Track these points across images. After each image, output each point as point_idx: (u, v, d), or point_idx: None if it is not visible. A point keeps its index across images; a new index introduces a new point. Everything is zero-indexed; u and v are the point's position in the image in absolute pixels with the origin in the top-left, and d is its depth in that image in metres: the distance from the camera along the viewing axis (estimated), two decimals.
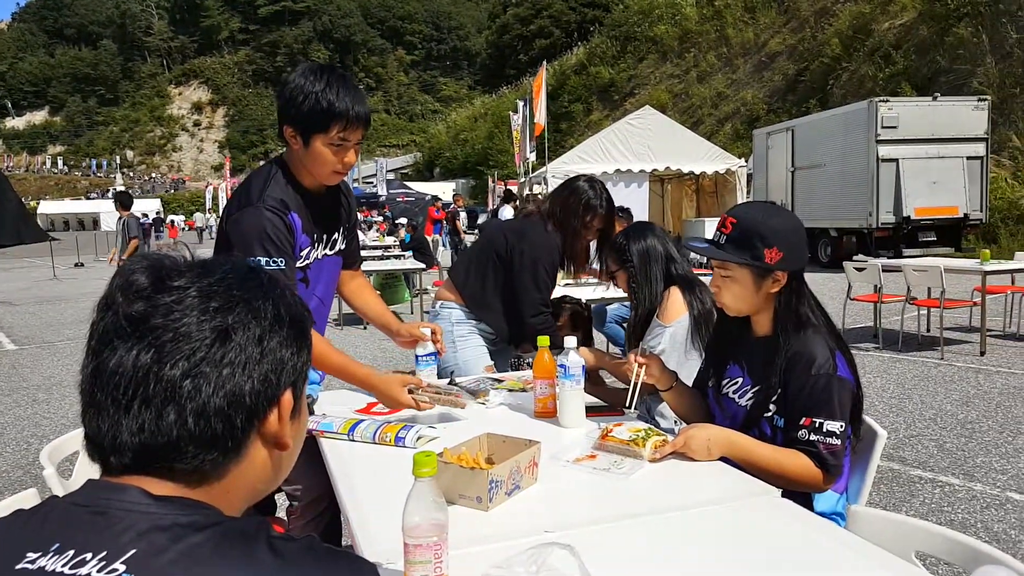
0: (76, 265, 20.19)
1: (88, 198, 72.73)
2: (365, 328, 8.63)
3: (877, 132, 12.12)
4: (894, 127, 12.10)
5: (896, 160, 12.08)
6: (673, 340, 2.26)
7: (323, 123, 1.79)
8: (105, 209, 53.36)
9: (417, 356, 2.17)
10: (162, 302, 0.68)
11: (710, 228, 9.07)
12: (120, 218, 10.09)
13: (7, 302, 12.31)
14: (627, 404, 1.82)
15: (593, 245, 2.97)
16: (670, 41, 35.62)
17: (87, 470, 1.68)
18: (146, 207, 44.87)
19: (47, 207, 57.87)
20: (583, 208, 2.78)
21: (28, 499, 1.43)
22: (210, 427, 0.67)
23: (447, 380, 2.35)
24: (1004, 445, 3.89)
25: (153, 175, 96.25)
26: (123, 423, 0.67)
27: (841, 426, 1.54)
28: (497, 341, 2.91)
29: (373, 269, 9.30)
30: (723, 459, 1.60)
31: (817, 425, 1.54)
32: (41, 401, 5.57)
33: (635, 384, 1.80)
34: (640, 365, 1.80)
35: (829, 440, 1.53)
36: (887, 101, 12.49)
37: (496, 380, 2.37)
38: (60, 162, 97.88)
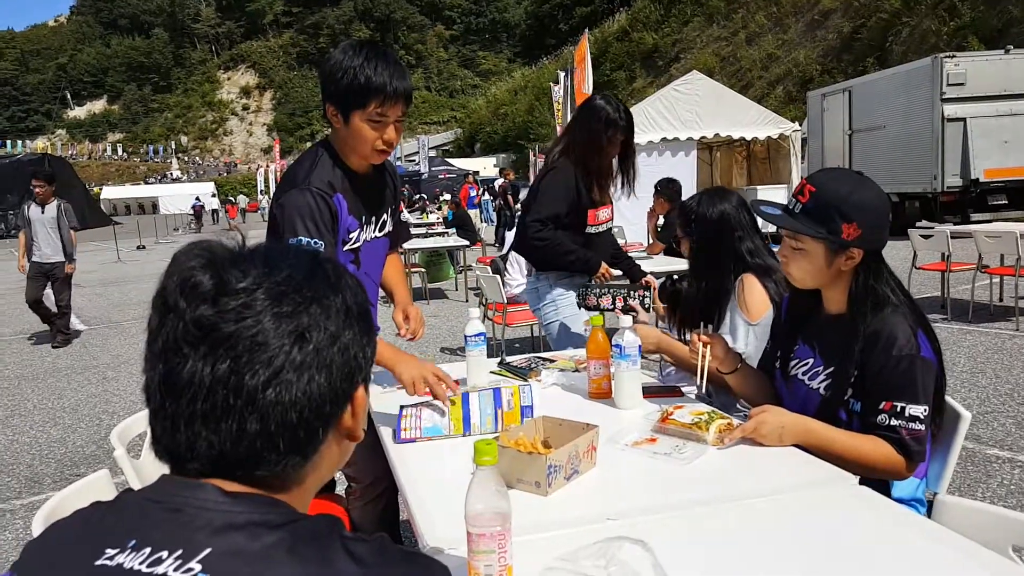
0: (138, 248, 20.90)
1: (147, 183, 75.19)
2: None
3: (942, 90, 11.51)
4: (961, 84, 11.45)
5: (963, 119, 11.45)
6: (760, 341, 2.00)
7: (361, 98, 1.74)
8: (164, 193, 55.20)
9: (466, 336, 2.13)
10: (230, 307, 0.64)
11: (763, 196, 8.77)
12: (36, 204, 6.98)
13: (76, 284, 12.74)
14: (699, 388, 1.73)
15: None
16: (716, 2, 34.51)
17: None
18: (200, 190, 46.11)
19: (109, 192, 59.92)
20: (604, 124, 2.85)
21: (100, 480, 1.46)
22: (293, 435, 0.66)
23: (498, 360, 2.31)
24: None
25: (205, 160, 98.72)
26: (201, 433, 0.65)
27: (925, 410, 1.44)
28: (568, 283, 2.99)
29: (418, 247, 9.34)
30: (795, 444, 1.51)
31: (899, 409, 1.44)
32: (111, 379, 5.80)
33: (702, 367, 1.71)
34: (705, 344, 1.71)
35: (912, 425, 1.43)
36: (953, 56, 11.83)
37: (547, 360, 2.32)
38: (119, 149, 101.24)
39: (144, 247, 21.12)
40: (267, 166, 48.09)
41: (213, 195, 39.80)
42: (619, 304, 2.49)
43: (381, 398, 1.91)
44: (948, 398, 1.61)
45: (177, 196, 50.29)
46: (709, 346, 1.71)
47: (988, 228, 6.37)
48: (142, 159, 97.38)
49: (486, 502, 0.95)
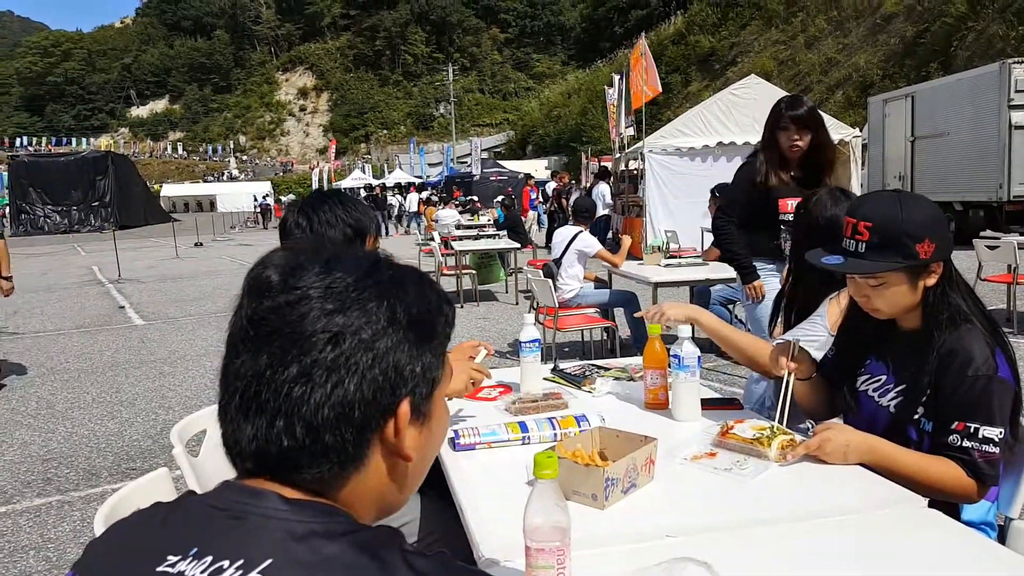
0: (196, 245, 21.55)
1: (205, 181, 77.51)
2: (462, 307, 8.75)
3: (1010, 96, 11.05)
4: None
5: None
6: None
7: None
8: (222, 192, 56.83)
9: (521, 342, 2.13)
10: (283, 302, 0.65)
11: None
12: None
13: (135, 279, 13.29)
14: (778, 420, 1.60)
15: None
16: (775, 5, 33.80)
17: (214, 451, 1.75)
18: (257, 189, 47.34)
19: (169, 190, 61.99)
20: (774, 116, 3.22)
21: (160, 479, 1.50)
22: (320, 439, 0.65)
23: (551, 367, 2.31)
24: None
25: (262, 159, 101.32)
26: (243, 428, 0.66)
27: (1000, 433, 1.38)
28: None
29: (469, 249, 9.40)
30: (861, 464, 1.47)
31: (972, 431, 1.39)
32: (167, 374, 5.96)
33: (785, 394, 1.60)
34: (790, 372, 1.60)
35: (986, 448, 1.38)
36: (1021, 62, 11.35)
37: (601, 368, 2.31)
38: (180, 147, 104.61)
39: (201, 244, 21.76)
40: (323, 166, 49.07)
41: (266, 195, 40.82)
42: None
43: None
44: (1023, 418, 1.55)
45: (234, 194, 51.70)
46: (795, 370, 1.61)
47: None
48: (201, 158, 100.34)
49: (545, 516, 0.95)
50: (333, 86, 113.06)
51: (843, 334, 1.77)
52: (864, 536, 1.20)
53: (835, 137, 12.93)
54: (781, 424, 1.58)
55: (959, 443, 1.40)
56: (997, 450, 1.39)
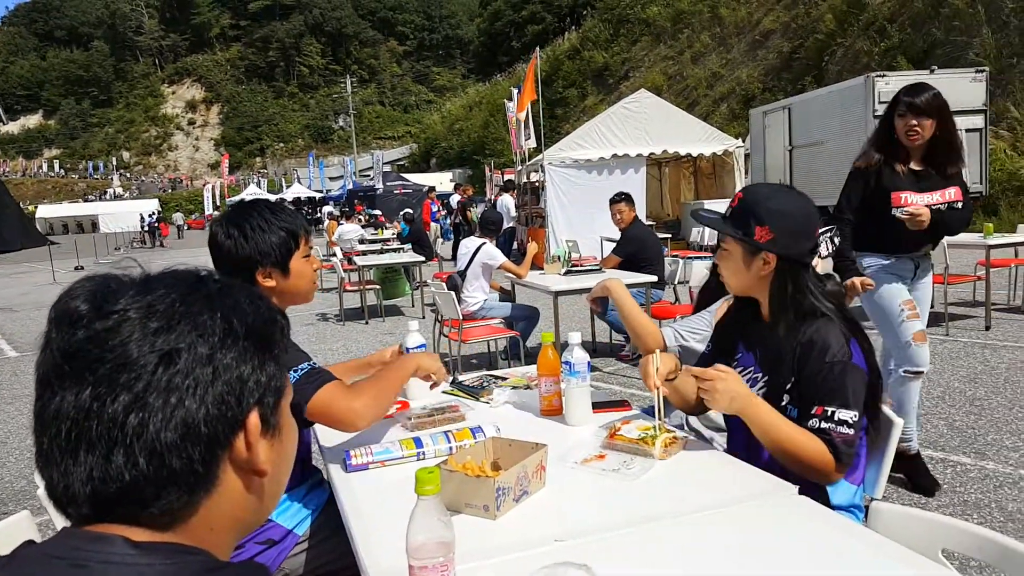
0: (76, 268, 20.14)
1: (86, 200, 72.61)
2: (367, 323, 8.60)
3: (875, 107, 11.96)
4: None
5: None
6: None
7: None
8: (104, 211, 53.37)
9: (407, 349, 2.13)
10: (99, 329, 0.61)
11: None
12: None
13: (7, 308, 12.27)
14: (658, 420, 1.65)
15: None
16: (663, 22, 35.34)
17: None
18: (143, 208, 44.78)
19: (45, 211, 57.59)
20: (889, 106, 3.03)
21: (21, 522, 1.39)
22: (165, 465, 0.61)
23: (450, 379, 2.30)
24: (1015, 422, 3.85)
25: (148, 176, 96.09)
26: (71, 471, 0.60)
27: (855, 416, 1.49)
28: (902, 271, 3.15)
29: (373, 263, 9.26)
30: (735, 454, 1.55)
31: (829, 414, 1.49)
32: None
33: (659, 401, 1.66)
34: (657, 387, 1.65)
35: (842, 429, 1.47)
36: (884, 76, 12.33)
37: (499, 378, 2.33)
38: (56, 165, 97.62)
39: (82, 267, 20.34)
40: (214, 182, 47.03)
41: (151, 213, 38.75)
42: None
43: (327, 432, 1.82)
44: (884, 406, 1.67)
45: (119, 214, 48.67)
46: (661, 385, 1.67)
47: None
48: (81, 176, 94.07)
49: (429, 533, 0.94)
50: (224, 98, 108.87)
51: (719, 327, 1.88)
52: (741, 526, 1.26)
53: (720, 148, 13.74)
54: (663, 423, 1.64)
55: (819, 425, 1.49)
56: (852, 431, 1.48)
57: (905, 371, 3.08)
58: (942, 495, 3.05)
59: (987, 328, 5.93)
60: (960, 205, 3.02)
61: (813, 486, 1.58)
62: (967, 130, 12.10)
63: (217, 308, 0.65)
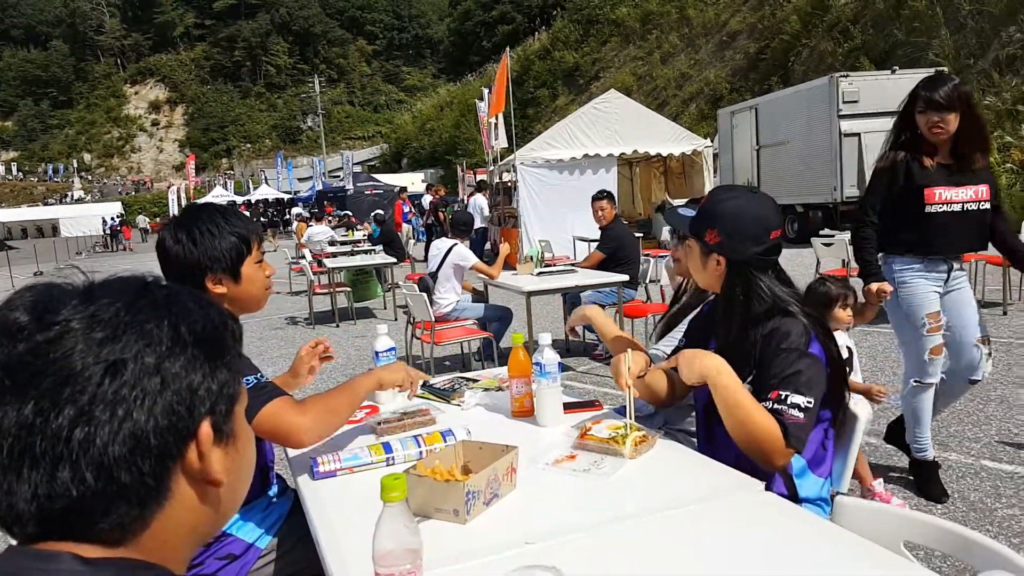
0: (36, 274, 19.66)
1: (46, 203, 70.86)
2: (338, 326, 8.52)
3: (839, 107, 12.22)
4: (855, 102, 12.20)
5: (858, 134, 12.19)
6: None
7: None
8: (65, 215, 52.11)
9: (376, 352, 2.12)
10: (40, 341, 0.59)
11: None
12: None
13: None
14: (629, 419, 1.66)
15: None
16: (632, 23, 35.62)
17: None
18: (106, 211, 43.85)
19: (3, 215, 55.91)
20: (910, 99, 2.87)
21: None
22: (114, 479, 0.59)
23: (421, 383, 2.29)
24: (975, 413, 3.95)
25: (111, 179, 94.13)
26: (15, 489, 0.58)
27: (808, 402, 1.51)
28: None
29: (343, 265, 9.18)
30: (705, 451, 1.56)
31: (783, 397, 1.51)
32: None
33: (630, 401, 1.68)
34: (629, 386, 1.68)
35: (793, 412, 1.49)
36: (847, 76, 12.60)
37: (471, 380, 2.32)
38: (14, 168, 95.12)
39: (42, 273, 19.87)
40: (180, 184, 46.23)
41: (114, 217, 38.00)
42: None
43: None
44: (850, 403, 1.70)
45: (80, 217, 47.55)
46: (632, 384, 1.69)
47: None
48: (40, 179, 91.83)
49: (396, 540, 0.94)
50: (189, 99, 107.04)
51: (692, 324, 1.92)
52: (710, 524, 1.27)
53: (690, 147, 13.88)
54: (633, 422, 1.65)
55: (771, 407, 1.51)
56: (803, 416, 1.50)
57: (916, 381, 3.01)
58: (908, 486, 3.12)
59: None
60: (987, 205, 2.88)
61: (784, 480, 1.60)
62: None
63: (164, 316, 0.64)
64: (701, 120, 24.34)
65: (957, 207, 2.85)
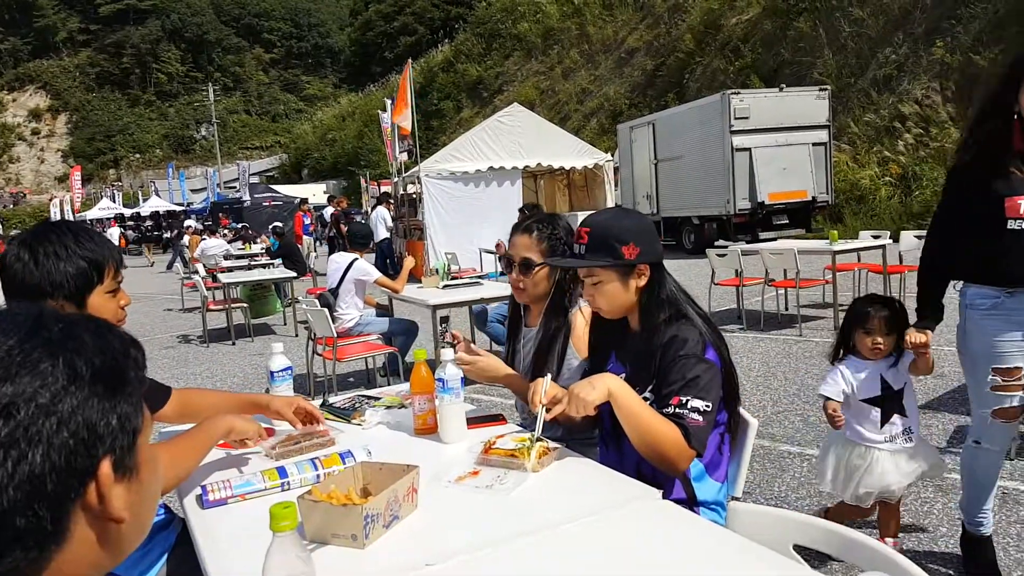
0: None
1: None
2: (234, 344, 8.16)
3: (731, 123, 12.88)
4: (746, 118, 12.89)
5: (749, 149, 12.89)
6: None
7: None
8: None
9: (271, 372, 2.04)
10: None
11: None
12: None
13: None
14: (537, 434, 1.63)
15: None
16: (534, 38, 36.28)
17: None
18: None
19: None
20: (1003, 77, 2.24)
21: None
22: (9, 525, 0.56)
23: (319, 402, 2.21)
24: None
25: None
26: None
27: (707, 406, 1.56)
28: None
29: (240, 280, 8.81)
30: (610, 460, 1.57)
31: (684, 402, 1.56)
32: None
33: (539, 419, 1.64)
34: (543, 406, 1.64)
35: (693, 416, 1.54)
36: (738, 93, 13.29)
37: (372, 398, 2.26)
38: None
39: None
40: (63, 196, 43.15)
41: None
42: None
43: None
44: (741, 409, 1.76)
45: None
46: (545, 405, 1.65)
47: (772, 246, 7.19)
48: None
49: (287, 570, 0.89)
50: (72, 107, 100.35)
51: (591, 348, 1.93)
52: (609, 534, 1.28)
53: (591, 161, 14.23)
54: (538, 434, 1.64)
55: (672, 411, 1.56)
56: (702, 419, 1.55)
57: (975, 442, 2.43)
58: (799, 488, 3.27)
59: (836, 328, 6.47)
60: None
61: (683, 485, 1.65)
62: (813, 144, 13.32)
63: (59, 353, 0.61)
64: (602, 134, 25.04)
65: None
